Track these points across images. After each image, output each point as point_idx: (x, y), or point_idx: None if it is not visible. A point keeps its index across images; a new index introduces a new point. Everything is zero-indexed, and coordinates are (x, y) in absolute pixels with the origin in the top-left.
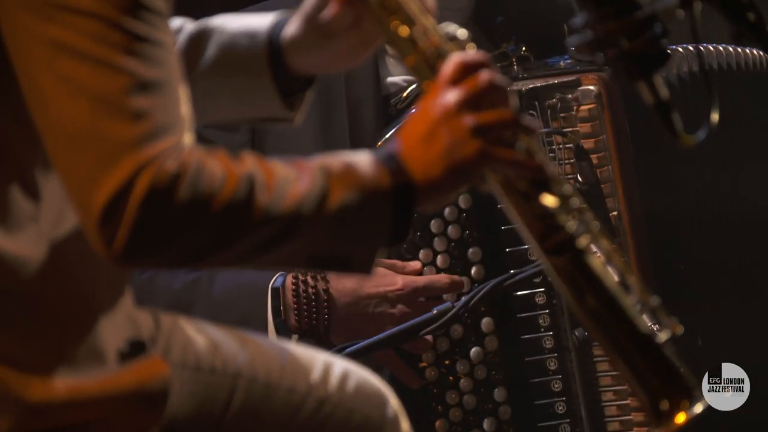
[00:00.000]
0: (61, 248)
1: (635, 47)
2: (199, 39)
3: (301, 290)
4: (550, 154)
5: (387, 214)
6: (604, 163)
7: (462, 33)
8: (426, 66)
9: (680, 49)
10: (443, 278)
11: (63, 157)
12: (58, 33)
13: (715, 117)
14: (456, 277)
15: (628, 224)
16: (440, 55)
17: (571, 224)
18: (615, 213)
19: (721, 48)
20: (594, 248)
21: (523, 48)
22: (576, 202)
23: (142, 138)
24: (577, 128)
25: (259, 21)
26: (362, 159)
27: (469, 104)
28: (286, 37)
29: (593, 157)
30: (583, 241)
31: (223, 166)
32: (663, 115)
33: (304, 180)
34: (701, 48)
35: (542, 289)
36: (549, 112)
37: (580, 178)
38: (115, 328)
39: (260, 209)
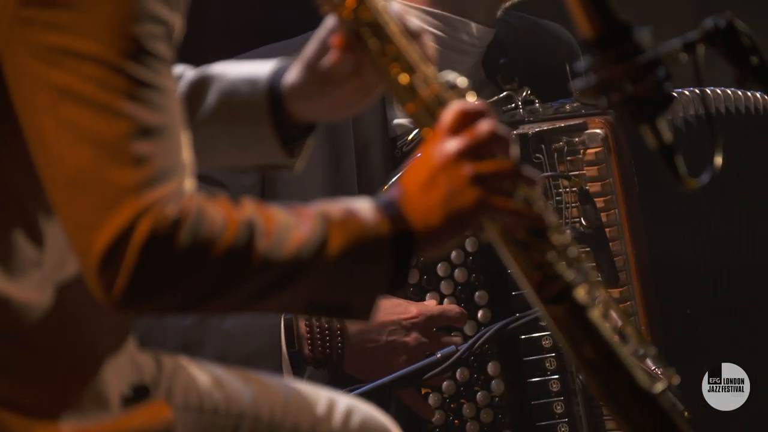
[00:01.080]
0: (65, 293)
1: (639, 91)
2: (200, 86)
3: (313, 320)
4: (557, 198)
5: (386, 261)
6: (610, 207)
7: (462, 81)
8: (426, 114)
9: (685, 93)
10: (455, 308)
11: (64, 202)
12: (61, 77)
13: (718, 161)
14: (464, 311)
15: (634, 268)
16: (440, 103)
17: (568, 274)
18: (621, 257)
19: (721, 91)
20: (592, 298)
21: (528, 91)
22: (574, 251)
23: (143, 183)
24: (584, 171)
25: (259, 68)
26: (361, 205)
27: (468, 153)
28: (287, 84)
29: (600, 200)
30: (580, 291)
31: (223, 211)
32: (667, 159)
33: (303, 226)
34: (705, 91)
35: (548, 333)
36: (556, 155)
37: (584, 222)
38: (118, 372)
39: (260, 255)
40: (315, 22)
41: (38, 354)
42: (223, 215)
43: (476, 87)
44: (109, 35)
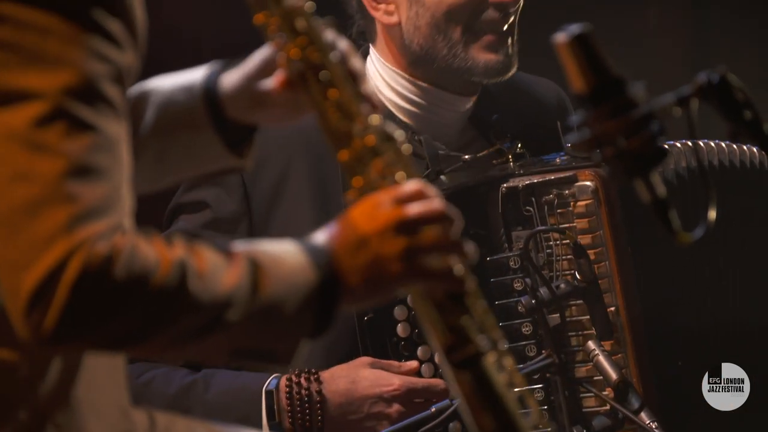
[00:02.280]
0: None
1: (632, 145)
2: (138, 104)
3: (294, 392)
4: (547, 251)
5: (313, 308)
6: (601, 259)
7: (399, 134)
8: (359, 162)
9: (678, 145)
10: (441, 383)
11: None
12: (5, 117)
13: (712, 214)
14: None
15: (625, 320)
16: (375, 154)
17: (479, 340)
18: (612, 309)
19: (714, 145)
20: (499, 367)
21: (519, 145)
22: (489, 319)
23: (75, 220)
24: (574, 224)
25: (193, 75)
26: (290, 250)
27: (409, 226)
28: (222, 88)
29: (590, 252)
30: (489, 359)
31: (156, 250)
32: (660, 213)
33: (233, 270)
34: (698, 144)
35: (540, 386)
36: (546, 207)
37: (578, 275)
38: (110, 426)
39: (192, 295)
40: None
41: (28, 408)
42: (155, 254)
43: (465, 143)
44: (55, 73)
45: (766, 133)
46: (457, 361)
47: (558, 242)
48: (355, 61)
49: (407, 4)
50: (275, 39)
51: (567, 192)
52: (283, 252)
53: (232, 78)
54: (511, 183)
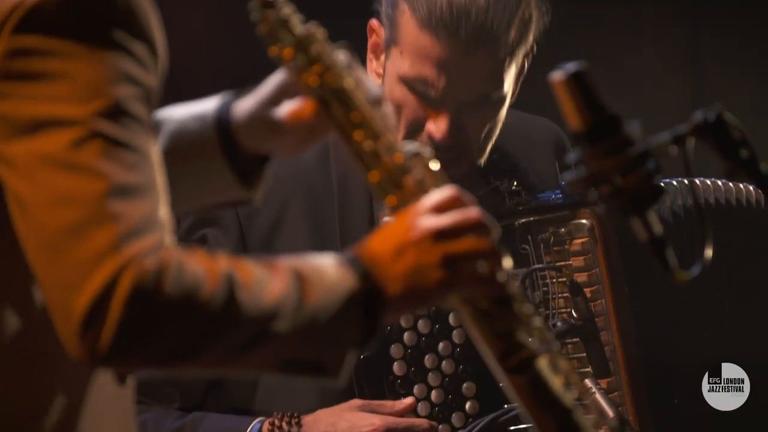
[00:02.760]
0: (67, 387)
1: (629, 184)
2: None
3: (275, 429)
4: (543, 288)
5: (357, 317)
6: (597, 297)
7: (425, 150)
8: (390, 181)
9: (674, 183)
10: (424, 423)
11: (44, 266)
12: (39, 144)
13: (708, 252)
14: (435, 424)
15: (621, 358)
16: (405, 171)
17: (531, 343)
18: (609, 347)
19: (711, 183)
20: (554, 368)
21: (515, 183)
22: (537, 321)
23: (121, 239)
24: (570, 262)
25: (206, 104)
26: (331, 262)
27: (446, 234)
28: (236, 117)
29: (587, 290)
30: (542, 361)
31: (202, 264)
32: (657, 251)
33: (278, 281)
34: (695, 182)
35: None
36: (542, 246)
37: (575, 314)
38: None
39: (241, 307)
40: None
41: None
42: (203, 267)
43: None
44: (85, 99)
45: (763, 172)
46: (510, 367)
47: (554, 280)
48: (371, 84)
49: (383, 80)
50: (291, 68)
51: (563, 230)
52: (324, 263)
53: (245, 106)
54: (507, 221)
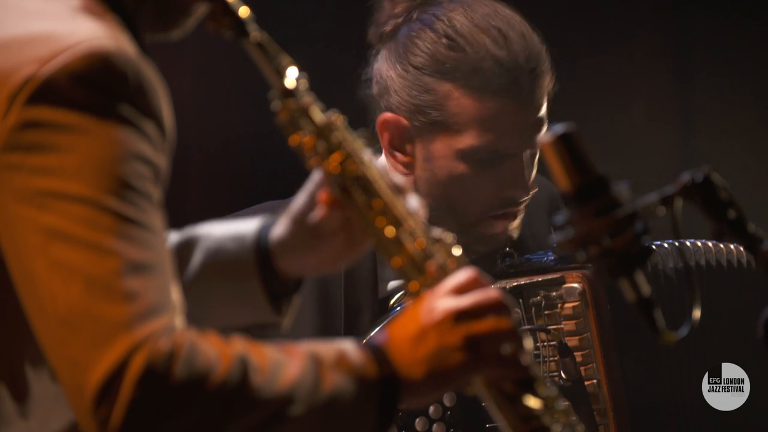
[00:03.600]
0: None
1: (617, 245)
2: (185, 247)
3: None
4: (534, 351)
5: (374, 404)
6: (588, 361)
7: (448, 236)
8: (413, 267)
9: (665, 245)
10: None
11: (56, 342)
12: (50, 219)
13: (697, 314)
14: None
15: (612, 421)
16: (427, 257)
17: (556, 427)
18: (600, 410)
19: (701, 244)
20: None
21: (507, 246)
22: (561, 404)
23: (135, 318)
24: (562, 325)
25: (245, 225)
26: (349, 347)
27: (467, 315)
28: (274, 239)
29: (578, 354)
30: None
31: (215, 347)
32: (645, 312)
33: (294, 364)
34: (684, 244)
35: None
36: (533, 309)
37: (563, 375)
38: None
39: (254, 390)
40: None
41: None
42: (216, 350)
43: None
44: (95, 175)
45: (751, 233)
46: None
47: (545, 343)
48: (393, 174)
49: (423, 167)
50: (312, 158)
51: (554, 294)
52: (343, 348)
53: (282, 225)
54: (499, 284)
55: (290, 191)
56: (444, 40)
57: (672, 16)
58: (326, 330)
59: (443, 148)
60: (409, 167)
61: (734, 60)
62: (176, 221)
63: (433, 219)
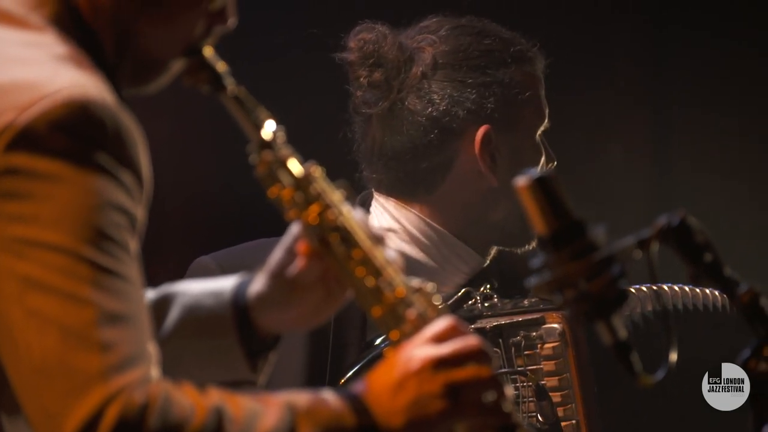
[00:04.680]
0: None
1: (593, 288)
2: (162, 304)
3: None
4: (514, 392)
5: None
6: (567, 401)
7: (429, 285)
8: (392, 316)
9: (644, 289)
10: None
11: (30, 390)
12: (26, 268)
13: (673, 357)
14: None
15: None
16: (407, 306)
17: None
18: None
19: (678, 288)
20: None
21: (487, 286)
22: None
23: (110, 369)
24: (541, 366)
25: (223, 282)
26: (327, 397)
27: (447, 362)
28: (252, 294)
29: (557, 395)
30: None
31: (190, 398)
32: (622, 356)
33: (271, 415)
34: (661, 288)
35: None
36: (513, 349)
37: (540, 418)
38: None
39: None
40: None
41: None
42: (190, 401)
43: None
44: (72, 225)
45: (727, 276)
46: None
47: (524, 384)
48: (371, 222)
49: (509, 165)
50: (291, 210)
51: (534, 334)
52: (320, 398)
53: (260, 280)
54: (479, 324)
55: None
56: (476, 36)
57: (649, 58)
58: (313, 366)
59: (522, 139)
60: (498, 172)
61: (712, 103)
62: (154, 271)
63: (474, 226)
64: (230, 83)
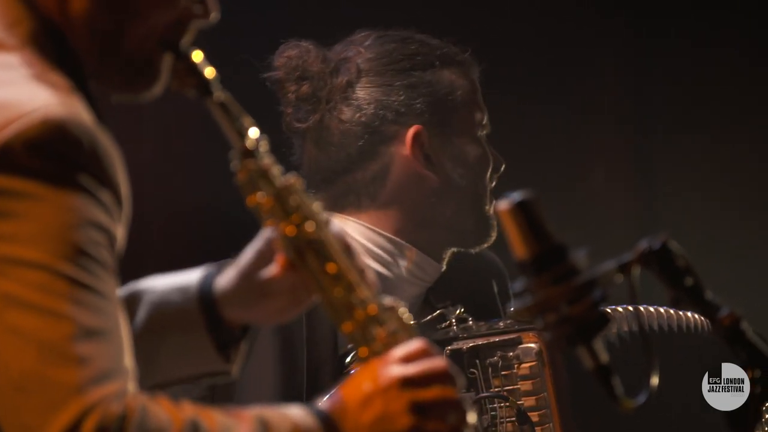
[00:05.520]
0: None
1: (574, 312)
2: (129, 302)
3: None
4: (492, 413)
5: None
6: (545, 421)
7: (399, 304)
8: (362, 333)
9: (620, 309)
10: None
11: (9, 406)
12: (5, 286)
13: (654, 380)
14: None
15: None
16: (378, 323)
17: None
18: None
19: (654, 310)
20: None
21: (462, 309)
22: None
23: (87, 383)
24: (519, 386)
25: (188, 276)
26: (297, 412)
27: (414, 382)
28: (219, 288)
29: (534, 414)
30: None
31: (167, 411)
32: (603, 379)
33: (243, 428)
34: (639, 309)
35: None
36: (490, 370)
37: None
38: None
39: None
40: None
41: None
42: (167, 414)
43: (415, 311)
44: (50, 242)
45: (708, 300)
46: None
47: (502, 405)
48: (346, 236)
49: (450, 164)
50: (269, 219)
51: (511, 354)
52: (289, 413)
53: (228, 276)
54: (455, 345)
55: None
56: (400, 42)
57: (631, 81)
58: (289, 386)
59: (461, 135)
60: (438, 172)
61: (694, 126)
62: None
63: (422, 229)
64: (217, 89)
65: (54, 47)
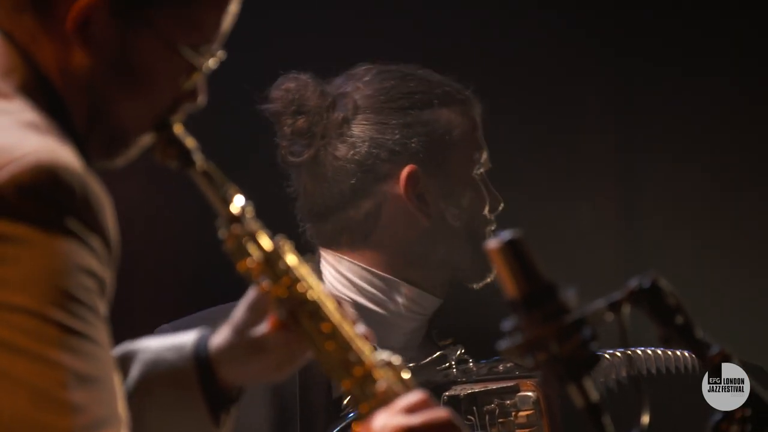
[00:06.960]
0: None
1: (565, 351)
2: (123, 361)
3: None
4: None
5: None
6: None
7: (396, 359)
8: (361, 390)
9: (617, 354)
10: None
11: None
12: None
13: (645, 420)
14: None
15: None
16: (374, 380)
17: None
18: None
19: (650, 352)
20: None
21: (462, 350)
22: None
23: (82, 430)
24: None
25: (184, 336)
26: None
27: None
28: (213, 347)
29: None
30: None
31: None
32: (594, 419)
33: None
34: (631, 352)
35: None
36: (487, 417)
37: None
38: None
39: None
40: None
41: None
42: None
43: (417, 347)
44: (40, 287)
45: (698, 338)
46: None
47: None
48: (337, 295)
49: (444, 203)
50: (260, 283)
51: (509, 402)
52: None
53: (222, 334)
54: (453, 392)
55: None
56: (400, 79)
57: (617, 115)
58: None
59: (456, 175)
60: (431, 212)
61: (681, 160)
62: (122, 335)
63: (413, 267)
64: (199, 159)
65: (45, 98)
